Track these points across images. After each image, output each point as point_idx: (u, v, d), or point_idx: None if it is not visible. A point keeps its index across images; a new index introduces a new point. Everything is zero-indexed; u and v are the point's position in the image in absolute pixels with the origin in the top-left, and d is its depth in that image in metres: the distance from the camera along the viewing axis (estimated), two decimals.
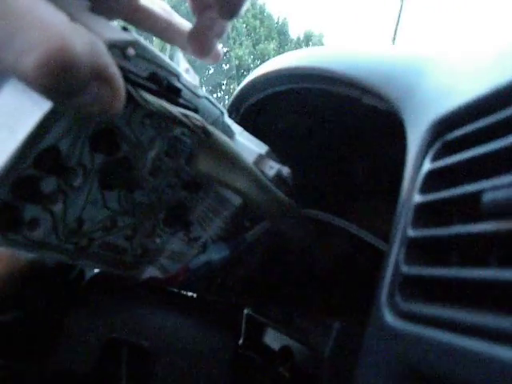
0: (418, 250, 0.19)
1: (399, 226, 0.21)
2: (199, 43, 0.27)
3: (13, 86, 0.21)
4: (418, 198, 0.20)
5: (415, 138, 0.22)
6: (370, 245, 0.37)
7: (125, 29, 0.28)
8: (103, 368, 0.34)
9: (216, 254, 0.36)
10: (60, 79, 0.15)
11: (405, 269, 0.19)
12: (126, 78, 0.21)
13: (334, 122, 0.36)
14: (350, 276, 0.39)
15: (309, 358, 0.39)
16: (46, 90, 0.16)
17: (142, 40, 0.21)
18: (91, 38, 0.16)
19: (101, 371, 0.34)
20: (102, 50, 0.17)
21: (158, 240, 0.33)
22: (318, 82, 0.33)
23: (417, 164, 0.21)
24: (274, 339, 0.48)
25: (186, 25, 0.28)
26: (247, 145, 0.32)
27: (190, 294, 0.45)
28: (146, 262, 0.33)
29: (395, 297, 0.19)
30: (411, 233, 0.19)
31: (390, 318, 0.19)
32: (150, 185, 0.29)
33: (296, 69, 0.34)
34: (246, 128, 0.33)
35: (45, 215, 0.24)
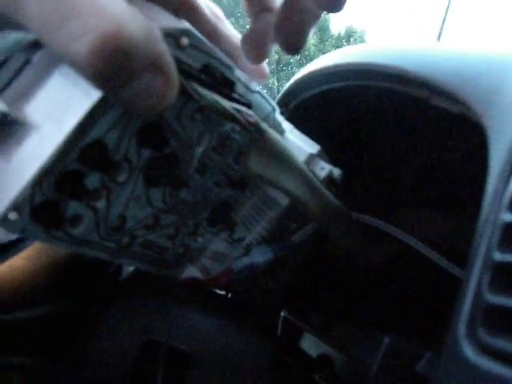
0: (505, 276, 0.17)
1: (481, 248, 0.18)
2: (254, 48, 0.25)
3: (60, 75, 0.20)
4: (506, 216, 0.17)
5: (502, 148, 0.19)
6: (419, 253, 0.34)
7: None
8: (139, 370, 0.33)
9: (260, 256, 0.34)
10: (113, 64, 0.14)
11: (489, 297, 0.17)
12: (180, 70, 0.19)
13: (392, 122, 0.34)
14: (399, 286, 0.37)
15: (351, 369, 0.37)
16: (97, 76, 0.14)
17: (195, 30, 0.20)
18: (148, 24, 0.15)
19: (137, 373, 0.33)
20: (158, 36, 0.16)
21: (200, 239, 0.31)
22: (378, 80, 0.30)
23: (503, 178, 0.18)
24: (311, 345, 0.47)
25: (234, 34, 0.27)
26: (298, 144, 0.31)
27: (223, 292, 0.44)
28: (187, 262, 0.32)
29: (477, 329, 0.17)
30: (497, 256, 0.17)
31: (469, 352, 0.17)
32: (196, 182, 0.27)
33: (354, 65, 0.32)
34: (296, 125, 0.31)
35: (87, 212, 0.23)
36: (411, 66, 0.28)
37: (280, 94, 0.39)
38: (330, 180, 0.32)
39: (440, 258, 0.32)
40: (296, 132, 0.31)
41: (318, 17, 0.23)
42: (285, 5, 0.23)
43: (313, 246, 0.38)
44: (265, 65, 0.27)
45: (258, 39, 0.25)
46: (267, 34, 0.24)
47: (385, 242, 0.39)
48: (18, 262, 0.33)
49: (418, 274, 0.34)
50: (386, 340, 0.31)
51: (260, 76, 0.27)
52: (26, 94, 0.20)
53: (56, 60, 0.20)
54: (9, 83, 0.20)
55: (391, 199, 0.41)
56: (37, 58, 0.20)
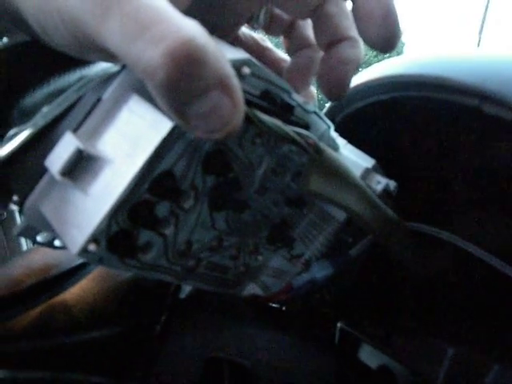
0: None
1: None
2: (297, 80, 0.26)
3: (129, 111, 0.21)
4: None
5: None
6: (479, 260, 0.34)
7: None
8: None
9: (320, 272, 0.34)
10: (185, 72, 0.14)
11: None
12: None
13: (441, 131, 0.34)
14: (461, 295, 0.36)
15: (413, 382, 0.37)
16: (167, 85, 0.15)
17: (254, 58, 0.21)
18: (217, 44, 0.16)
19: None
20: (226, 58, 0.16)
21: (260, 257, 0.32)
22: (426, 90, 0.30)
23: None
24: (370, 357, 0.46)
25: (282, 56, 0.27)
26: (353, 159, 0.31)
27: (277, 305, 0.44)
28: (248, 280, 0.33)
29: None
30: None
31: None
32: (256, 203, 0.28)
33: (401, 76, 0.31)
34: (344, 138, 0.32)
35: (157, 239, 0.24)
36: (460, 74, 0.28)
37: (326, 108, 0.39)
38: (386, 193, 0.31)
39: (502, 263, 0.32)
40: (350, 147, 0.31)
41: (359, 64, 0.23)
42: (326, 56, 0.23)
43: (370, 257, 0.38)
44: (311, 87, 0.27)
45: (299, 73, 0.25)
46: (309, 68, 0.25)
47: (442, 249, 0.38)
48: (88, 284, 0.35)
49: (481, 281, 0.33)
50: (451, 351, 0.30)
51: (307, 98, 0.27)
52: (99, 130, 0.21)
53: (124, 97, 0.21)
54: (83, 121, 0.21)
55: (443, 206, 0.40)
56: (107, 95, 0.21)
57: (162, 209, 0.23)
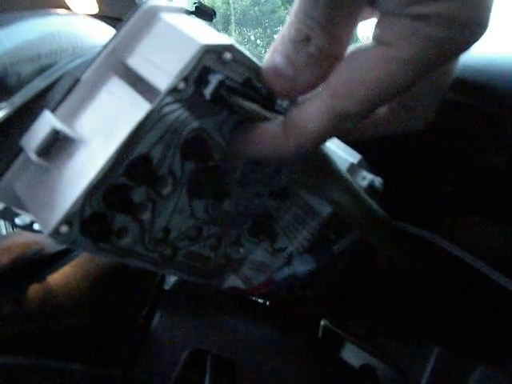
0: None
1: None
2: None
3: (108, 93, 0.21)
4: None
5: None
6: (465, 263, 0.34)
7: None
8: (187, 380, 0.34)
9: (302, 266, 0.34)
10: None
11: None
12: (222, 84, 0.20)
13: (436, 129, 0.34)
14: (447, 297, 0.36)
15: (396, 381, 0.37)
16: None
17: (237, 44, 0.21)
18: None
19: (184, 382, 0.33)
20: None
21: (241, 249, 0.32)
22: None
23: None
24: (353, 355, 0.46)
25: None
26: (339, 153, 0.31)
27: (262, 301, 0.44)
28: (229, 271, 0.32)
29: None
30: None
31: None
32: (238, 194, 0.28)
33: None
34: None
35: (133, 224, 0.23)
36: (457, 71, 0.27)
37: None
38: (371, 189, 0.32)
39: (488, 268, 0.32)
40: (337, 141, 0.31)
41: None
42: None
43: (355, 255, 0.38)
44: None
45: None
46: None
47: (430, 251, 0.38)
48: (71, 270, 0.34)
49: (467, 283, 0.34)
50: (436, 351, 0.30)
51: None
52: (77, 111, 0.21)
53: (103, 78, 0.21)
54: (61, 101, 0.21)
55: (434, 207, 0.40)
56: (86, 75, 0.21)
57: (139, 194, 0.22)
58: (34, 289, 0.32)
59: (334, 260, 0.36)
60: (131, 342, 0.35)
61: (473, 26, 0.17)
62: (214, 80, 0.20)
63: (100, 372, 0.32)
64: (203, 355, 0.34)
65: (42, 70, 0.26)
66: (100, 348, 0.34)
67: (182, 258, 0.28)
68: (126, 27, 0.21)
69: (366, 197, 0.30)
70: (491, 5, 0.17)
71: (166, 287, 0.40)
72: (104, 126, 0.20)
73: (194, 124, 0.22)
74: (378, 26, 0.19)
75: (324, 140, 0.21)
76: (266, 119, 0.22)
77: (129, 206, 0.22)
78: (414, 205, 0.40)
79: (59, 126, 0.20)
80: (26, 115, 0.23)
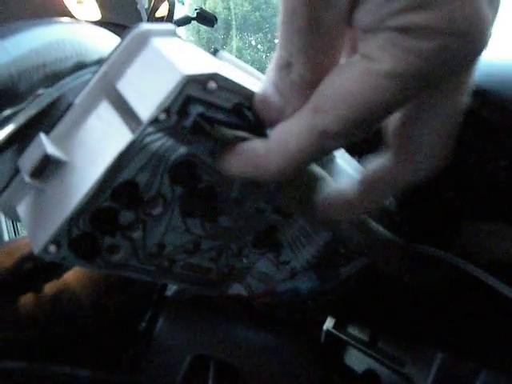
0: None
1: None
2: None
3: (97, 118, 0.21)
4: None
5: None
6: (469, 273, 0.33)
7: (215, 51, 0.27)
8: None
9: (304, 282, 0.33)
10: None
11: None
12: (202, 115, 0.20)
13: None
14: (451, 302, 0.36)
15: None
16: None
17: (223, 72, 0.20)
18: None
19: None
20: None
21: (245, 260, 0.31)
22: None
23: None
24: (356, 360, 0.46)
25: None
26: (348, 171, 0.29)
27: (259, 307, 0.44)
28: (233, 280, 0.32)
29: None
30: None
31: None
32: (237, 211, 0.27)
33: None
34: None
35: (124, 242, 0.24)
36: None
37: None
38: (382, 210, 0.31)
39: (492, 278, 0.31)
40: (346, 156, 0.30)
41: None
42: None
43: (363, 280, 0.37)
44: None
45: None
46: None
47: (441, 266, 0.37)
48: (73, 275, 0.34)
49: (469, 290, 0.33)
50: (440, 356, 0.30)
51: None
52: (69, 134, 0.21)
53: (95, 102, 0.21)
54: (55, 124, 0.21)
55: (437, 217, 0.40)
56: (79, 100, 0.21)
57: (126, 216, 0.23)
58: (37, 294, 0.32)
59: (340, 283, 0.36)
60: (134, 347, 0.35)
61: (461, 37, 0.16)
62: (193, 112, 0.20)
63: (104, 376, 0.32)
64: (206, 360, 0.35)
65: (47, 78, 0.26)
66: (103, 353, 0.34)
67: (180, 269, 0.28)
68: (118, 51, 0.21)
69: (370, 221, 0.29)
70: (486, 12, 0.16)
71: (169, 293, 0.41)
72: (91, 151, 0.20)
73: (181, 150, 0.22)
74: (360, 41, 0.18)
75: (307, 161, 0.20)
76: None
77: (116, 228, 0.23)
78: (418, 218, 0.39)
79: (50, 150, 0.20)
80: (24, 135, 0.23)
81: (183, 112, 0.19)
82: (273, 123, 0.20)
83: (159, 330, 0.36)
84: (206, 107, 0.20)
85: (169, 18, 1.13)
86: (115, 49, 0.21)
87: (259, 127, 0.22)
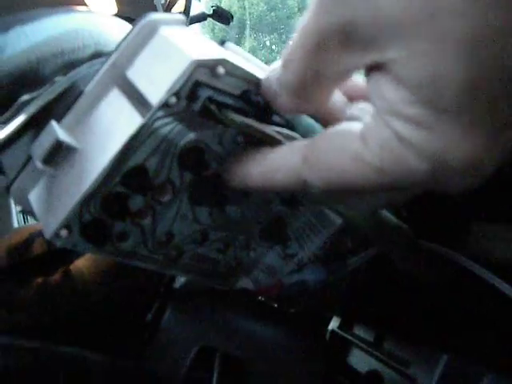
0: None
1: None
2: None
3: (107, 105, 0.22)
4: None
5: None
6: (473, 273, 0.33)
7: (223, 42, 0.28)
8: (195, 376, 0.34)
9: (312, 275, 0.34)
10: None
11: None
12: (210, 99, 0.20)
13: None
14: (457, 303, 0.36)
15: None
16: None
17: (232, 58, 0.20)
18: None
19: (192, 378, 0.34)
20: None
21: (252, 253, 0.32)
22: None
23: None
24: (360, 361, 0.46)
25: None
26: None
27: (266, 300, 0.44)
28: (241, 274, 0.32)
29: None
30: None
31: None
32: (244, 201, 0.28)
33: None
34: None
35: (134, 229, 0.24)
36: None
37: None
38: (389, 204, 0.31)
39: (500, 281, 0.31)
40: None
41: None
42: None
43: (372, 271, 0.38)
44: None
45: None
46: None
47: (442, 262, 0.37)
48: (83, 262, 0.34)
49: (476, 292, 0.33)
50: (445, 358, 0.30)
51: None
52: (80, 121, 0.22)
53: (105, 90, 0.22)
54: (67, 112, 0.22)
55: (445, 217, 0.40)
56: (89, 87, 0.22)
57: (137, 201, 0.23)
58: (48, 278, 0.32)
59: (348, 275, 0.36)
60: (142, 335, 0.35)
61: (448, 170, 0.16)
62: (202, 96, 0.20)
63: (110, 360, 0.33)
64: (211, 352, 0.35)
65: (65, 66, 0.27)
66: (111, 338, 0.34)
67: (188, 259, 0.28)
68: (127, 40, 0.21)
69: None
70: (482, 156, 0.15)
71: (177, 285, 0.41)
72: (102, 137, 0.21)
73: (191, 135, 0.22)
74: (371, 117, 0.17)
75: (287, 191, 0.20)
76: (259, 133, 0.22)
77: (126, 213, 0.23)
78: (427, 216, 0.39)
79: (62, 136, 0.21)
80: (37, 123, 0.24)
81: (192, 96, 0.20)
82: (282, 109, 0.21)
83: (166, 320, 0.36)
84: (215, 92, 0.20)
85: (185, 14, 1.13)
86: (125, 38, 0.21)
87: (266, 113, 0.22)
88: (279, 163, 0.20)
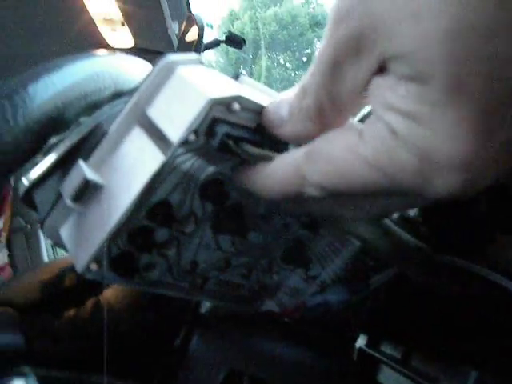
0: None
1: None
2: None
3: (130, 143, 0.23)
4: None
5: None
6: (502, 287, 0.33)
7: (237, 76, 0.29)
8: None
9: (335, 295, 0.34)
10: None
11: None
12: (227, 135, 0.21)
13: None
14: (484, 320, 0.36)
15: None
16: None
17: (246, 92, 0.21)
18: None
19: None
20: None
21: (275, 276, 0.32)
22: None
23: None
24: (389, 379, 0.45)
25: None
26: None
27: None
28: (265, 297, 0.33)
29: None
30: None
31: None
32: (264, 227, 0.28)
33: None
34: None
35: (160, 259, 0.25)
36: None
37: None
38: (404, 220, 0.31)
39: None
40: None
41: None
42: None
43: (394, 289, 0.37)
44: None
45: None
46: None
47: (467, 277, 0.37)
48: (112, 292, 0.36)
49: (507, 308, 0.33)
50: (474, 374, 0.30)
51: None
52: (105, 160, 0.23)
53: (128, 128, 0.23)
54: (92, 151, 0.24)
55: (469, 230, 0.39)
56: (113, 128, 0.23)
57: (162, 233, 0.24)
58: (79, 309, 0.34)
59: (371, 293, 0.36)
60: (169, 362, 0.36)
61: (437, 165, 0.16)
62: (220, 132, 0.21)
63: None
64: (240, 376, 0.35)
65: (88, 107, 0.28)
66: (139, 366, 0.35)
67: (213, 286, 0.29)
68: (148, 80, 0.23)
69: (397, 228, 0.29)
70: (483, 156, 0.15)
71: (203, 310, 0.42)
72: (127, 174, 0.22)
73: (210, 169, 0.23)
74: (368, 116, 0.18)
75: (286, 196, 0.20)
76: None
77: (152, 245, 0.24)
78: (450, 230, 0.39)
79: (89, 175, 0.22)
80: (66, 163, 0.25)
81: (210, 132, 0.21)
82: (288, 138, 0.21)
83: (194, 345, 0.37)
84: (231, 127, 0.21)
85: (199, 41, 1.16)
86: (145, 79, 0.23)
87: (282, 144, 0.23)
88: (283, 159, 0.20)
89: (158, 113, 0.22)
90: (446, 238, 0.36)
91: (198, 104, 0.20)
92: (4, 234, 1.89)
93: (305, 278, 0.33)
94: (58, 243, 0.26)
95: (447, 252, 0.33)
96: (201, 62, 0.24)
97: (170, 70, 0.23)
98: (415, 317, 0.42)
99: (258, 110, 0.22)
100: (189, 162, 0.22)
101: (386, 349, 0.46)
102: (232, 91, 0.21)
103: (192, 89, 0.21)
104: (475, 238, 0.37)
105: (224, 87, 0.22)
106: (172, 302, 0.39)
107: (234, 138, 0.21)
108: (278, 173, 0.20)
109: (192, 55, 0.24)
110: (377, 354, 0.46)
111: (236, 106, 0.21)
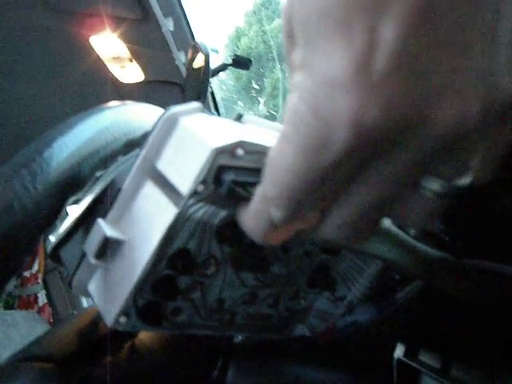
0: None
1: None
2: None
3: (144, 198, 0.24)
4: None
5: None
6: None
7: (239, 116, 0.29)
8: None
9: (363, 314, 0.34)
10: None
11: None
12: (234, 181, 0.21)
13: None
14: None
15: None
16: None
17: (248, 137, 0.22)
18: None
19: None
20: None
21: (303, 302, 0.32)
22: None
23: None
24: None
25: None
26: None
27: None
28: (295, 322, 0.33)
29: None
30: None
31: None
32: (284, 258, 0.29)
33: None
34: None
35: (186, 303, 0.26)
36: None
37: None
38: (422, 232, 0.30)
39: None
40: None
41: None
42: None
43: (423, 301, 0.37)
44: None
45: None
46: None
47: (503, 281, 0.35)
48: (146, 334, 0.36)
49: None
50: None
51: None
52: (122, 216, 0.24)
53: (140, 183, 0.24)
54: (109, 209, 0.25)
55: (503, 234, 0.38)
56: (126, 184, 0.24)
57: (184, 280, 0.25)
58: (119, 357, 0.34)
59: (399, 308, 0.35)
60: None
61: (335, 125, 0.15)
62: (227, 179, 0.21)
63: None
64: None
65: (102, 161, 0.29)
66: None
67: (242, 320, 0.30)
68: (153, 134, 0.24)
69: (417, 243, 0.29)
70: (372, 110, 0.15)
71: (237, 340, 0.42)
72: (144, 228, 0.23)
73: (222, 213, 0.24)
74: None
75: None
76: None
77: (177, 292, 0.25)
78: (483, 235, 0.38)
79: (109, 232, 0.23)
80: (85, 221, 0.27)
81: (218, 181, 0.21)
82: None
83: (231, 376, 0.38)
84: (238, 172, 0.22)
85: (206, 67, 1.18)
86: (151, 132, 0.24)
87: None
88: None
89: (166, 165, 0.23)
90: (471, 242, 0.36)
91: (203, 154, 0.21)
92: (40, 276, 1.94)
93: (332, 300, 0.33)
94: (87, 297, 0.27)
95: (475, 257, 0.33)
96: (202, 110, 0.25)
97: (173, 122, 0.24)
98: (451, 325, 0.41)
99: (262, 151, 0.22)
100: (201, 210, 0.23)
101: (425, 358, 0.46)
102: (235, 137, 0.22)
103: (196, 139, 0.22)
104: (501, 236, 0.37)
105: (227, 133, 0.23)
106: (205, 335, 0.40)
107: (240, 183, 0.22)
108: (251, 209, 0.20)
109: (193, 104, 0.25)
110: (415, 365, 0.45)
111: (240, 152, 0.22)
